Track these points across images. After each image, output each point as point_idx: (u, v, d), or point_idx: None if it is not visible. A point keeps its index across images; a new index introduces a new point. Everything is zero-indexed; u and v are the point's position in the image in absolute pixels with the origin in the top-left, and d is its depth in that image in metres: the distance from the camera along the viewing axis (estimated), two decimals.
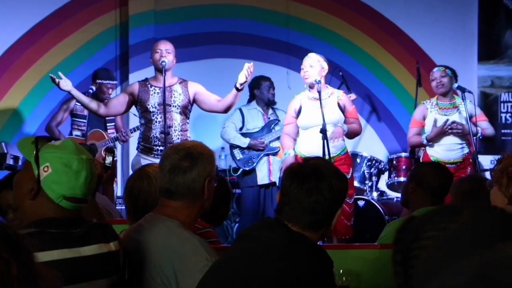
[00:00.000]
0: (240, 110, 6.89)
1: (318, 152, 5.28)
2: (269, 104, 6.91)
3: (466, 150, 5.99)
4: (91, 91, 6.62)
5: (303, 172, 2.31)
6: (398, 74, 7.99)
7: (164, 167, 2.62)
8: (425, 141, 5.99)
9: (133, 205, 3.05)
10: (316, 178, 2.28)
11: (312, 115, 5.58)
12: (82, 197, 2.30)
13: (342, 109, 5.71)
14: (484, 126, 6.08)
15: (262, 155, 6.78)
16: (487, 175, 6.44)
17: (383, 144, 7.96)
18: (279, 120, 6.86)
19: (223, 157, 7.38)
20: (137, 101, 5.87)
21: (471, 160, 5.97)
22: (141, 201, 2.99)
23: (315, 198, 2.25)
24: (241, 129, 6.89)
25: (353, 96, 6.35)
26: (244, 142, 6.78)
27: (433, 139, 5.96)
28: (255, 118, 6.90)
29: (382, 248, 3.32)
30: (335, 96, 5.72)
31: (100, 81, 6.81)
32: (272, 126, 6.87)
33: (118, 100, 5.94)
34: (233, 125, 6.86)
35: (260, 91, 6.90)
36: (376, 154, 7.19)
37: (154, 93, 5.82)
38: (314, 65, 5.62)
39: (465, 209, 1.08)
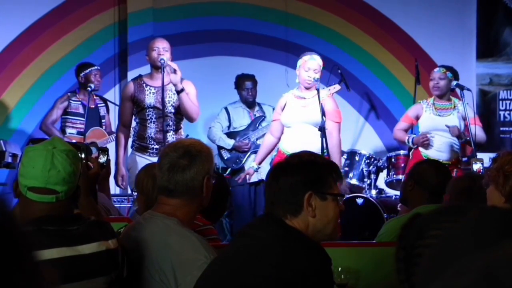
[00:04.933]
0: (226, 108, 6.92)
1: (303, 149, 5.27)
2: (248, 105, 6.94)
3: (456, 152, 6.02)
4: (89, 89, 6.62)
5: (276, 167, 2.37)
6: (397, 72, 7.99)
7: (163, 166, 2.62)
8: (410, 144, 6.15)
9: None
10: (280, 166, 2.33)
11: (293, 113, 5.61)
12: (44, 187, 2.29)
13: (323, 110, 5.62)
14: (476, 131, 5.96)
15: (249, 153, 6.81)
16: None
17: (381, 142, 7.97)
18: (265, 117, 6.88)
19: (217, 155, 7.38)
20: (133, 100, 5.88)
21: (459, 166, 6.00)
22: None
23: (278, 185, 2.25)
24: (228, 127, 6.91)
25: (337, 87, 6.25)
26: (229, 144, 6.82)
27: (416, 144, 6.09)
28: (241, 116, 6.92)
29: (381, 245, 3.33)
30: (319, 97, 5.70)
31: (83, 73, 6.78)
32: (258, 123, 6.88)
33: (127, 111, 5.93)
34: (219, 125, 6.89)
35: (239, 92, 6.95)
36: (374, 152, 7.19)
37: (150, 92, 5.81)
38: (318, 70, 5.65)
39: (471, 209, 1.08)
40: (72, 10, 7.72)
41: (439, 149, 6.00)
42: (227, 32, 7.89)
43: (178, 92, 5.68)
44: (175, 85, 5.66)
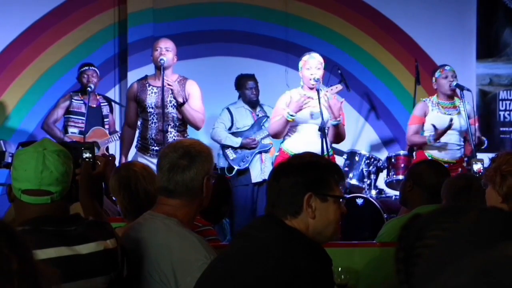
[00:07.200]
0: (228, 109, 6.91)
1: (306, 149, 5.26)
2: (251, 105, 6.93)
3: (461, 153, 5.99)
4: (89, 89, 6.63)
5: (278, 167, 2.36)
6: (397, 72, 7.99)
7: (163, 166, 2.62)
8: (431, 142, 5.90)
9: (137, 204, 3.08)
10: (281, 167, 2.33)
11: (300, 112, 5.60)
12: (38, 188, 2.28)
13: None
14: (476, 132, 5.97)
15: (255, 152, 6.80)
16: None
17: (381, 142, 7.96)
18: (268, 117, 6.87)
19: (222, 155, 7.37)
20: (136, 101, 5.89)
21: (464, 164, 5.97)
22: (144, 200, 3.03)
23: (279, 184, 2.25)
24: (230, 128, 6.89)
25: (339, 86, 6.21)
26: (236, 142, 6.80)
27: (438, 140, 5.90)
28: (244, 117, 6.91)
29: (381, 246, 3.33)
30: (325, 97, 5.70)
31: (78, 72, 6.81)
32: (262, 123, 6.88)
33: (132, 111, 5.93)
34: (222, 125, 6.87)
35: (242, 92, 6.94)
36: (374, 152, 7.19)
37: (152, 92, 5.82)
38: (320, 67, 5.65)
39: (471, 209, 1.07)
40: (72, 10, 7.72)
41: (446, 148, 5.95)
42: (227, 33, 7.89)
43: (180, 105, 5.70)
44: (175, 99, 5.69)
